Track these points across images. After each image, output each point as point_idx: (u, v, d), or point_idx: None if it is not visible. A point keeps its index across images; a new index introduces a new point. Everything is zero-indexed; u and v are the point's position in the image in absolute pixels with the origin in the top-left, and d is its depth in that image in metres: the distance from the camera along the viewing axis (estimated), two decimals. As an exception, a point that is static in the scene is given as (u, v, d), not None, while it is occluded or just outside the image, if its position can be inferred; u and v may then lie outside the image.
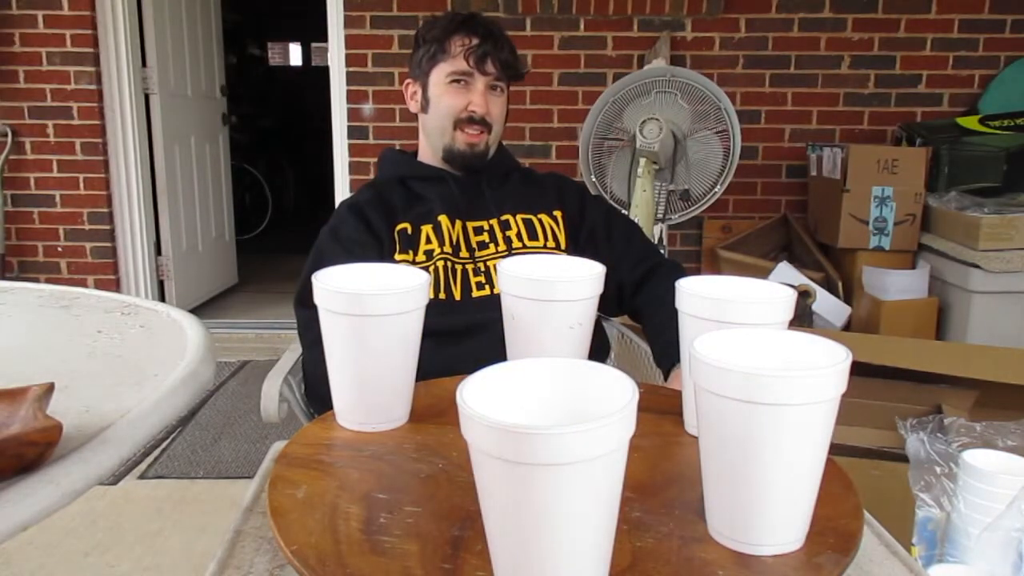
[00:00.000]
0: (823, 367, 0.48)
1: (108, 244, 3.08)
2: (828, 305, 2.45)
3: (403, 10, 2.87)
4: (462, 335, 1.07)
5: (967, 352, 1.92)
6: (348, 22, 2.90)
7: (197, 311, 3.35)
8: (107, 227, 3.07)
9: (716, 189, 2.22)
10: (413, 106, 1.35)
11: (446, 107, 1.27)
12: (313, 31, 4.68)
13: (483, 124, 1.26)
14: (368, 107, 2.96)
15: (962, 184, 2.50)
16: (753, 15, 2.83)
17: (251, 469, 0.75)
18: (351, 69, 2.94)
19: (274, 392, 1.03)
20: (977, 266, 2.24)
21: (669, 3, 2.82)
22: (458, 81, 1.26)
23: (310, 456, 0.67)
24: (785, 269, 2.53)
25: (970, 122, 2.67)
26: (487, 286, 1.13)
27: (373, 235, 1.14)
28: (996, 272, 2.21)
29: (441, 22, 1.29)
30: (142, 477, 2.04)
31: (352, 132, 2.99)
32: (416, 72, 1.31)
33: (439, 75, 1.26)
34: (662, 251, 1.92)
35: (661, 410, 0.75)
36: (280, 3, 6.43)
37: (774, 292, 0.67)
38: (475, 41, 1.24)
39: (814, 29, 2.83)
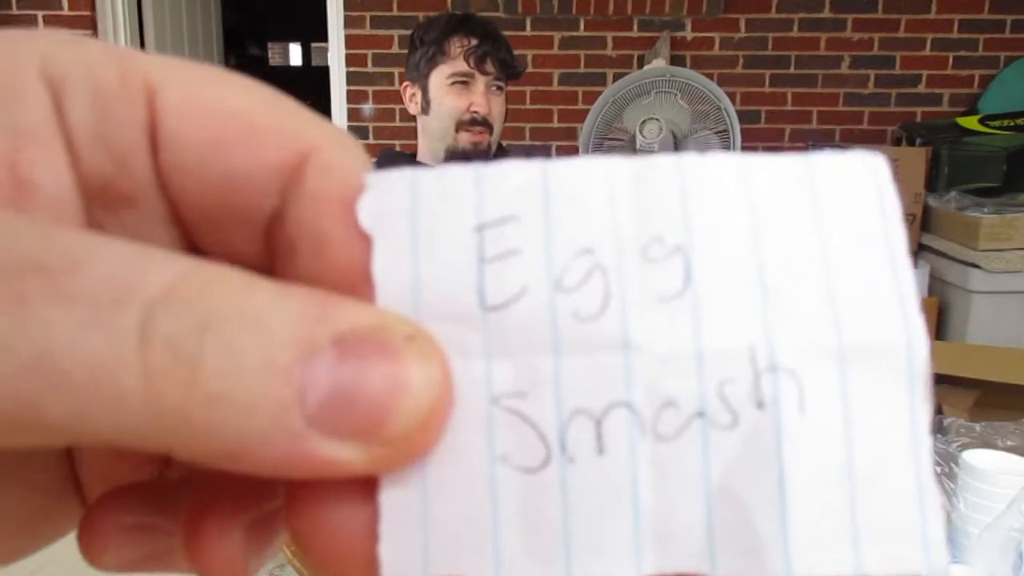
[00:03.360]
0: None
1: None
2: (828, 305, 2.45)
3: (403, 10, 2.87)
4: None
5: (967, 352, 1.92)
6: (348, 22, 2.91)
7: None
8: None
9: (716, 189, 2.22)
10: (412, 108, 1.35)
11: (448, 108, 1.26)
12: (313, 31, 4.69)
13: (485, 124, 1.26)
14: (368, 107, 2.97)
15: (962, 184, 2.50)
16: (753, 15, 2.83)
17: (251, 469, 0.77)
18: (351, 69, 2.95)
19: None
20: (977, 266, 2.24)
21: (669, 3, 2.82)
22: (459, 82, 1.25)
23: (310, 456, 0.67)
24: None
25: (970, 122, 2.67)
26: None
27: None
28: (996, 272, 2.21)
29: (438, 23, 1.29)
30: (142, 477, 2.05)
31: (352, 132, 2.99)
32: (414, 74, 1.31)
33: (439, 77, 1.26)
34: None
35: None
36: (280, 3, 6.44)
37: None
38: (474, 41, 1.25)
39: (814, 29, 2.83)
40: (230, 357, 0.11)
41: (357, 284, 0.14)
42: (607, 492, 0.13)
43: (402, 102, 1.38)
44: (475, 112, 1.26)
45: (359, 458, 0.12)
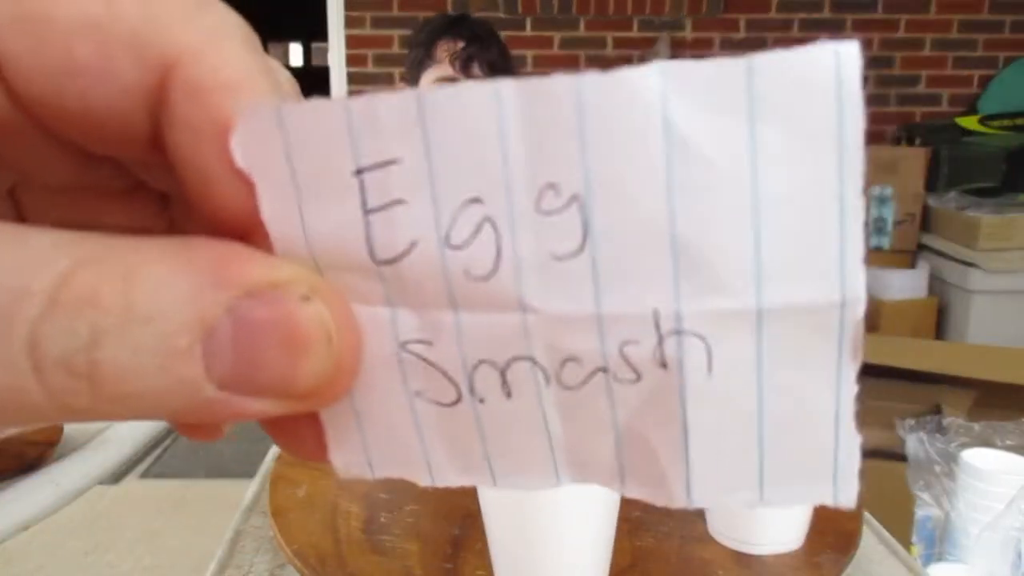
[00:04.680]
0: None
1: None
2: (828, 305, 2.45)
3: (404, 10, 2.87)
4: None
5: (966, 352, 1.92)
6: (349, 22, 2.91)
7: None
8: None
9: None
10: None
11: None
12: (313, 31, 4.68)
13: None
14: (368, 107, 2.96)
15: (962, 184, 2.50)
16: (753, 15, 2.83)
17: (251, 469, 0.76)
18: (352, 69, 2.95)
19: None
20: (977, 266, 2.24)
21: (669, 3, 2.82)
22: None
23: (310, 456, 0.67)
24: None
25: (970, 122, 2.67)
26: None
27: None
28: (996, 272, 2.21)
29: (430, 25, 1.29)
30: (142, 477, 2.05)
31: (352, 132, 2.98)
32: (409, 75, 1.31)
33: (427, 81, 1.26)
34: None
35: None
36: (280, 3, 6.43)
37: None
38: (460, 45, 1.23)
39: (814, 29, 2.83)
40: (126, 360, 0.11)
41: (250, 226, 0.13)
42: (520, 426, 0.14)
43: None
44: None
45: (277, 408, 0.13)
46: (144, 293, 0.11)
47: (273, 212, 0.13)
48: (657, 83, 0.11)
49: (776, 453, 0.13)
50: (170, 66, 0.12)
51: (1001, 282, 2.23)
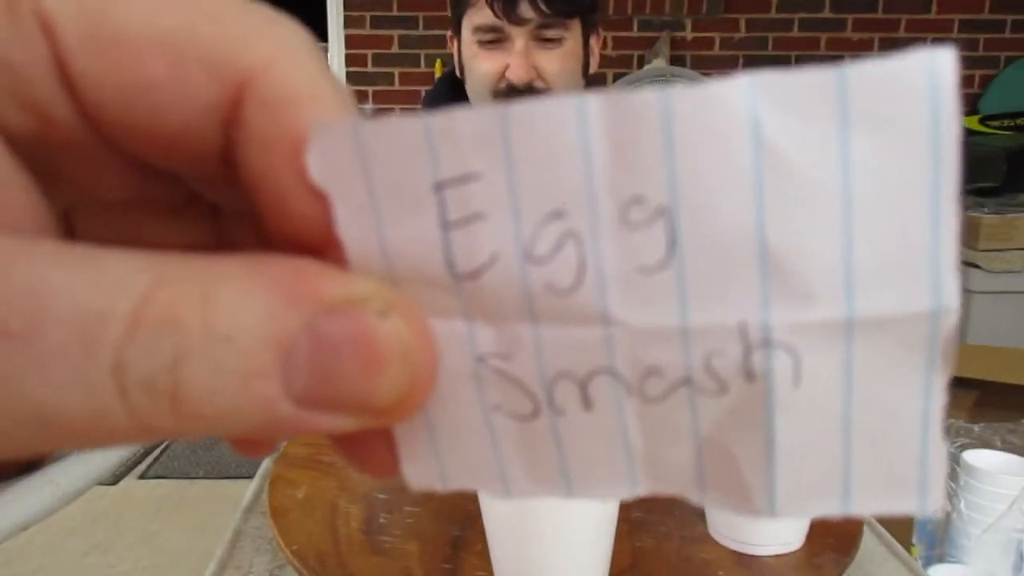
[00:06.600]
0: None
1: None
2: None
3: (403, 10, 2.87)
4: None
5: (967, 352, 1.92)
6: (348, 22, 2.90)
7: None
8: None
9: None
10: (458, 69, 1.03)
11: (479, 75, 0.94)
12: (313, 31, 4.68)
13: (531, 94, 0.85)
14: (368, 108, 2.96)
15: (962, 184, 2.50)
16: (753, 15, 2.83)
17: (251, 469, 0.77)
18: (351, 69, 2.94)
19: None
20: (977, 266, 2.24)
21: (669, 3, 2.82)
22: (488, 40, 0.92)
23: (310, 456, 0.67)
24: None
25: (970, 122, 2.67)
26: None
27: None
28: (996, 272, 2.21)
29: None
30: (142, 477, 2.04)
31: (352, 132, 2.98)
32: (452, 26, 1.00)
33: (467, 31, 0.95)
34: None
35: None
36: (280, 3, 6.42)
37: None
38: None
39: (814, 29, 2.83)
40: (207, 380, 0.11)
41: (322, 241, 0.13)
42: (598, 438, 0.13)
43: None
44: (509, 80, 0.89)
45: (352, 424, 0.13)
46: (223, 312, 0.11)
47: (349, 227, 0.13)
48: (747, 95, 0.11)
49: (862, 463, 0.13)
50: (244, 81, 0.12)
51: (1001, 282, 2.23)
